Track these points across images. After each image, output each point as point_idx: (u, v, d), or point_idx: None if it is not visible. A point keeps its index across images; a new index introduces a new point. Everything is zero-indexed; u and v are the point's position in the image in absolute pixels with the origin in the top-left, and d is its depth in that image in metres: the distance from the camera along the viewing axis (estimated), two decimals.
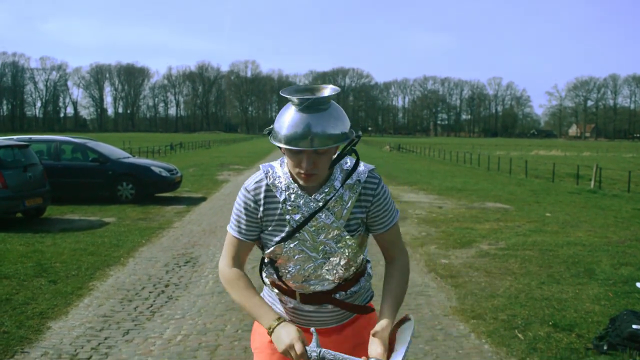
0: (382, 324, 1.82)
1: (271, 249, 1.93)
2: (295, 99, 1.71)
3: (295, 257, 1.92)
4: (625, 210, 12.25)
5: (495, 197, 14.67)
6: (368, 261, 2.13)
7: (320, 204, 1.87)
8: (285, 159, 1.89)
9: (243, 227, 1.92)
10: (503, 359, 4.14)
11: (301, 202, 1.87)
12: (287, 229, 1.89)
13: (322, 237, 1.90)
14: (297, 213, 1.87)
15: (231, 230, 1.95)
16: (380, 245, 2.02)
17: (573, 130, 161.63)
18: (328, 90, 1.77)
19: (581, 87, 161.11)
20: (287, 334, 1.74)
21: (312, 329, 1.82)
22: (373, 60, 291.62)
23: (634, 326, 4.34)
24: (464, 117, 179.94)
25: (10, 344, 4.31)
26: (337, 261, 1.93)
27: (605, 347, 4.21)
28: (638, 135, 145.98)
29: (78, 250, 7.46)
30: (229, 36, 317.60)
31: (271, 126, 1.83)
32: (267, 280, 2.07)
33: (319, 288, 1.97)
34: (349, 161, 1.94)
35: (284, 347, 1.73)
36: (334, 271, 1.95)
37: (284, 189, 1.87)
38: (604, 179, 18.23)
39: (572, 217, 11.07)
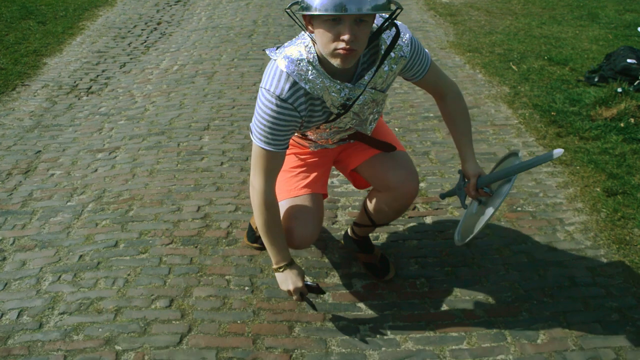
0: (473, 170, 1.88)
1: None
2: None
3: (332, 129, 1.84)
4: None
5: None
6: None
7: (366, 90, 1.71)
8: (310, 42, 1.61)
9: (281, 138, 1.70)
10: (495, 87, 4.23)
11: (345, 93, 1.67)
12: (329, 117, 1.77)
13: (364, 109, 1.79)
14: (342, 105, 1.72)
15: (264, 145, 1.71)
16: (426, 89, 1.94)
17: None
18: None
19: None
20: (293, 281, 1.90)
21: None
22: None
23: (628, 60, 4.35)
24: None
25: (9, 78, 4.37)
26: (373, 118, 1.89)
27: (596, 79, 4.27)
28: None
29: None
30: None
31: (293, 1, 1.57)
32: None
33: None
34: (386, 36, 1.69)
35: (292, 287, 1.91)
36: (369, 126, 1.91)
37: (324, 88, 1.64)
38: None
39: None
